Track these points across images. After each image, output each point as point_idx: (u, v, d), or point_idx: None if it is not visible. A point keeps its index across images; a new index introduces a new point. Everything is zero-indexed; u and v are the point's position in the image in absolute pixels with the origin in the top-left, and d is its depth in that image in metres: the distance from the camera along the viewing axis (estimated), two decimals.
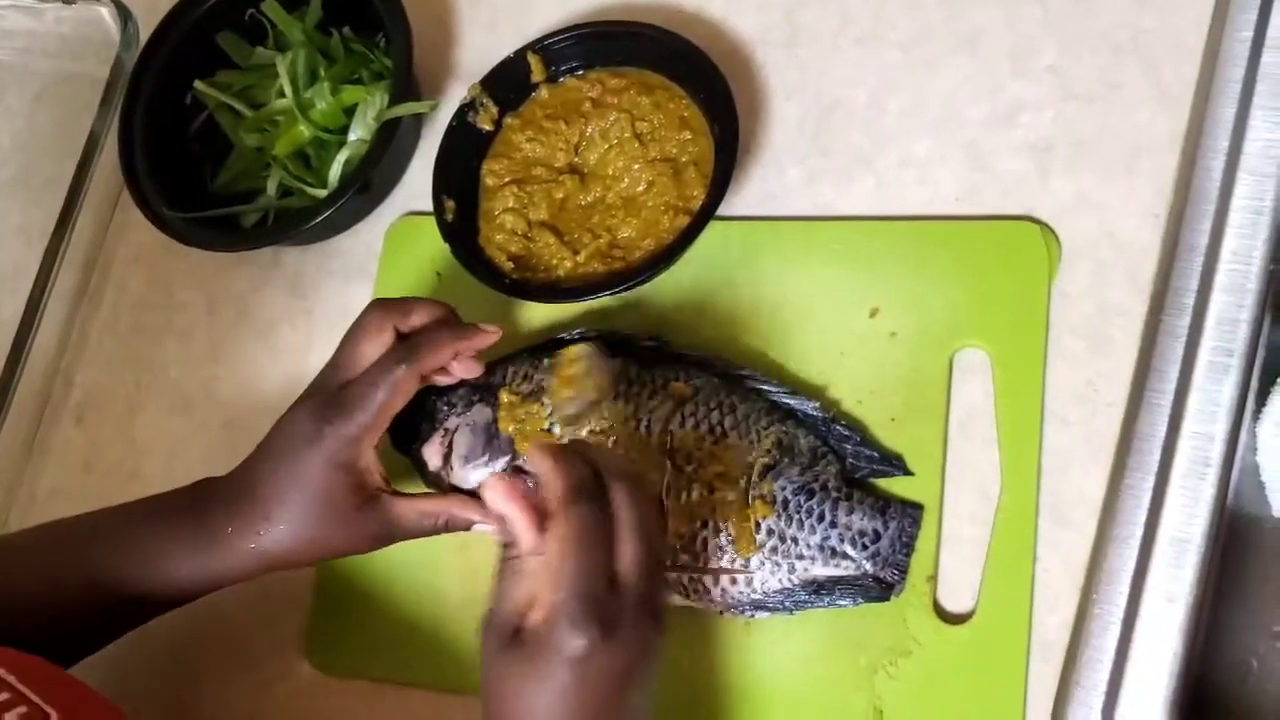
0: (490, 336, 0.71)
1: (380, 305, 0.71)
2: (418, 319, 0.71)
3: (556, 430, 0.73)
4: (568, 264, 0.79)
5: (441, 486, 0.75)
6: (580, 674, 0.55)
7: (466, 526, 0.72)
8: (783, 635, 0.71)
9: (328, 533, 0.69)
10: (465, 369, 0.73)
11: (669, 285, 0.79)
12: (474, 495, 0.73)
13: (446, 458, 0.75)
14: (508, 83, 0.84)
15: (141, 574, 0.69)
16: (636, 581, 0.58)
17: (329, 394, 0.69)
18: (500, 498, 0.59)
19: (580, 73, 0.84)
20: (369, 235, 0.89)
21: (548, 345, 0.77)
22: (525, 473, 0.73)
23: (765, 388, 0.74)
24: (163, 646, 0.83)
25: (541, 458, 0.59)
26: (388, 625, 0.78)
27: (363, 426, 0.68)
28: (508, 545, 0.59)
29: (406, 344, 0.69)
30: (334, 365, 0.70)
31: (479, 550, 0.78)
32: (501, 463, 0.73)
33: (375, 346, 0.70)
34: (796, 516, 0.70)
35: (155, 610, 0.72)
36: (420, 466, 0.76)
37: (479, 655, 0.59)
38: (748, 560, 0.70)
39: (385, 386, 0.68)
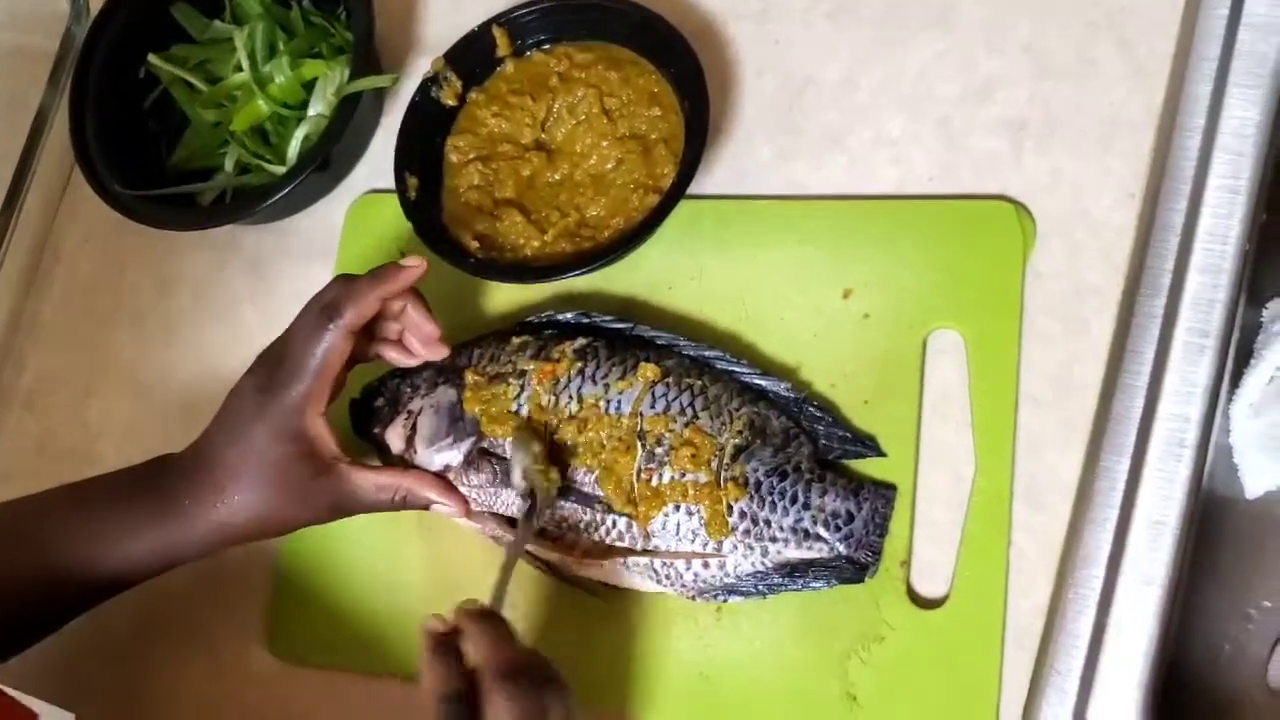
0: (412, 271, 0.69)
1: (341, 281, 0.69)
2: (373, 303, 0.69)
3: (524, 411, 0.71)
4: (535, 243, 0.78)
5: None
6: None
7: (425, 505, 0.70)
8: (755, 621, 0.70)
9: (283, 504, 0.68)
10: (431, 351, 0.71)
11: (638, 265, 0.77)
12: (438, 474, 0.72)
13: (409, 440, 0.73)
14: (472, 57, 0.81)
15: (99, 552, 0.68)
16: None
17: (271, 366, 0.68)
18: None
19: (547, 47, 0.82)
20: (330, 213, 0.86)
21: (515, 328, 0.76)
22: (492, 455, 0.71)
23: (736, 369, 0.72)
24: (117, 634, 0.81)
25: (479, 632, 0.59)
26: (349, 613, 0.76)
27: (302, 395, 0.67)
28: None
29: (330, 304, 0.67)
30: (281, 337, 0.69)
31: (441, 537, 0.76)
32: (466, 444, 0.72)
33: (310, 321, 0.68)
34: (769, 498, 0.69)
35: (113, 589, 0.70)
36: (382, 450, 0.74)
37: None
38: (720, 543, 0.68)
39: (318, 351, 0.67)
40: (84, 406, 0.89)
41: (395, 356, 0.72)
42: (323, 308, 0.67)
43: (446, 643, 0.59)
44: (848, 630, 0.68)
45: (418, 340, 0.71)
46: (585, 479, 0.70)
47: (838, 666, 0.68)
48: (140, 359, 0.89)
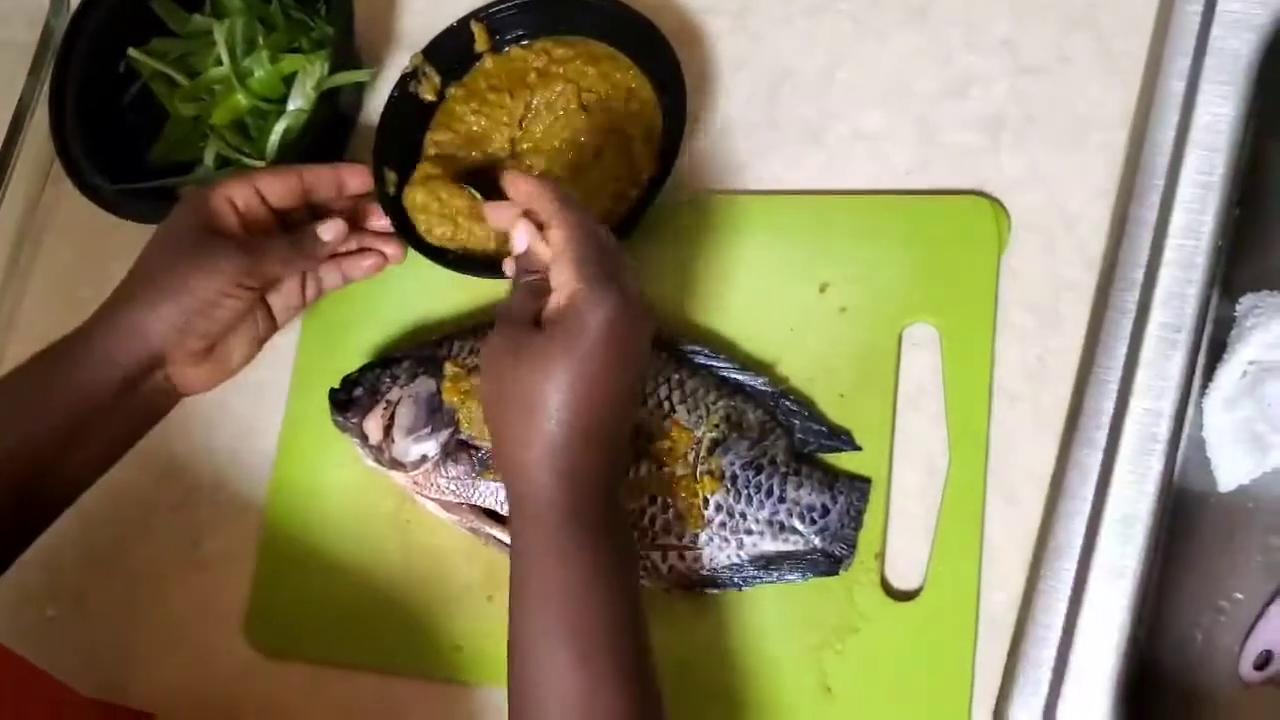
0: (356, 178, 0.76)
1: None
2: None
3: None
4: None
5: (382, 460, 0.73)
6: (610, 330, 0.58)
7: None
8: (731, 613, 0.70)
9: (191, 278, 0.68)
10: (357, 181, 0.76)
11: None
12: (415, 465, 0.72)
13: (388, 430, 0.73)
14: (451, 52, 0.82)
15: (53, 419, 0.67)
16: (616, 250, 0.62)
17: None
18: (528, 236, 0.64)
19: (525, 42, 0.82)
20: None
21: (494, 321, 0.76)
22: (471, 447, 0.71)
23: (714, 363, 0.73)
24: (98, 626, 0.81)
25: (523, 179, 0.64)
26: (328, 606, 0.77)
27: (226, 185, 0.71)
28: (532, 270, 0.63)
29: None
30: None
31: (419, 531, 0.76)
32: (444, 434, 0.72)
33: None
34: (745, 491, 0.69)
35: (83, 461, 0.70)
36: (361, 439, 0.74)
37: (489, 366, 0.62)
38: (696, 536, 0.69)
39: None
40: None
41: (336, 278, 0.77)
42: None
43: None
44: (823, 623, 0.69)
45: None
46: None
47: (813, 659, 0.68)
48: None
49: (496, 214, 0.67)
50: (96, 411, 0.68)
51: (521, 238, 0.64)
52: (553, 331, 0.59)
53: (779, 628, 0.69)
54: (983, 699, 0.66)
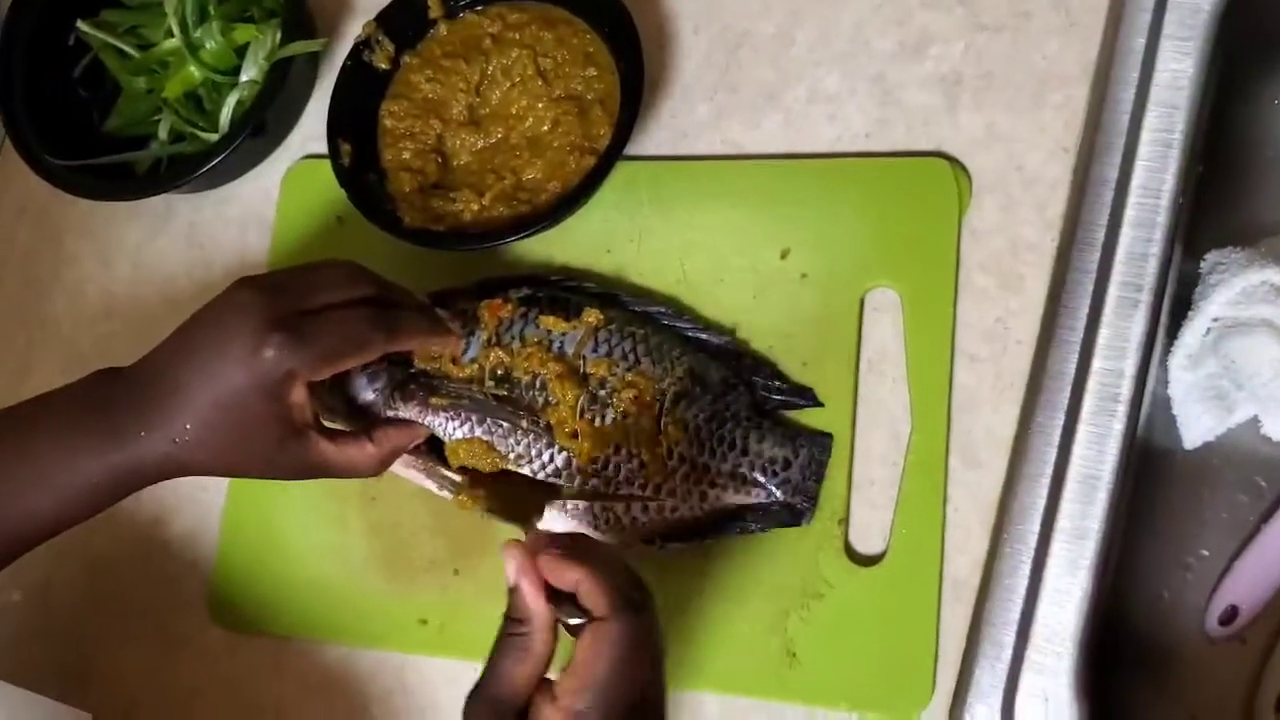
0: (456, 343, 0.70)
1: (359, 265, 0.67)
2: (393, 294, 0.67)
3: (471, 353, 0.71)
4: (474, 206, 0.77)
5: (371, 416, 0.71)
6: None
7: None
8: (695, 580, 0.70)
9: (245, 459, 0.63)
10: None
11: (576, 228, 0.76)
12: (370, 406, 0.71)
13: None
14: (404, 19, 0.80)
15: (40, 481, 0.61)
16: (658, 714, 0.56)
17: (280, 314, 0.61)
18: (516, 570, 0.55)
19: (479, 7, 0.81)
20: (266, 180, 0.85)
21: (460, 292, 0.75)
22: (420, 377, 0.70)
23: (677, 324, 0.73)
24: (62, 614, 0.81)
25: (581, 561, 0.55)
26: (293, 582, 0.76)
27: (309, 367, 0.61)
28: (516, 620, 0.55)
29: (388, 314, 0.65)
30: (285, 285, 0.63)
31: (384, 505, 0.76)
32: (396, 371, 0.71)
33: (343, 291, 0.64)
34: (708, 444, 0.69)
35: (55, 524, 0.63)
36: (347, 399, 0.72)
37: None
38: (659, 487, 0.68)
39: (354, 345, 0.62)
40: (22, 383, 0.88)
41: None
42: (387, 319, 0.64)
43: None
44: (788, 589, 0.69)
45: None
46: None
47: (778, 624, 0.68)
48: (80, 333, 0.88)
49: (511, 557, 0.56)
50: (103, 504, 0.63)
51: (512, 570, 0.55)
52: None
53: (744, 594, 0.69)
54: (947, 662, 0.67)
